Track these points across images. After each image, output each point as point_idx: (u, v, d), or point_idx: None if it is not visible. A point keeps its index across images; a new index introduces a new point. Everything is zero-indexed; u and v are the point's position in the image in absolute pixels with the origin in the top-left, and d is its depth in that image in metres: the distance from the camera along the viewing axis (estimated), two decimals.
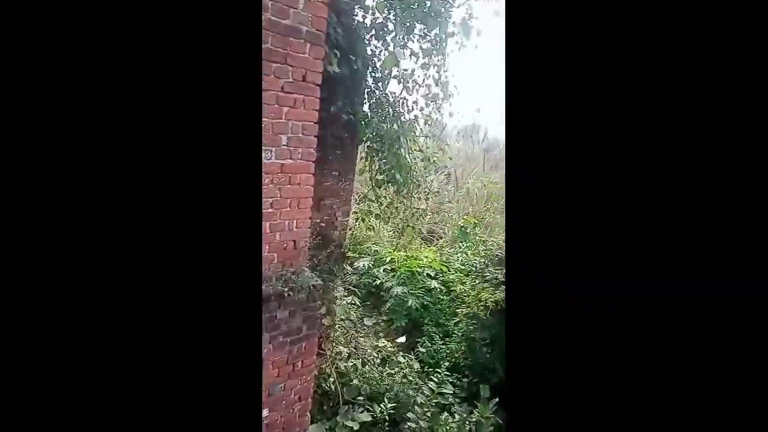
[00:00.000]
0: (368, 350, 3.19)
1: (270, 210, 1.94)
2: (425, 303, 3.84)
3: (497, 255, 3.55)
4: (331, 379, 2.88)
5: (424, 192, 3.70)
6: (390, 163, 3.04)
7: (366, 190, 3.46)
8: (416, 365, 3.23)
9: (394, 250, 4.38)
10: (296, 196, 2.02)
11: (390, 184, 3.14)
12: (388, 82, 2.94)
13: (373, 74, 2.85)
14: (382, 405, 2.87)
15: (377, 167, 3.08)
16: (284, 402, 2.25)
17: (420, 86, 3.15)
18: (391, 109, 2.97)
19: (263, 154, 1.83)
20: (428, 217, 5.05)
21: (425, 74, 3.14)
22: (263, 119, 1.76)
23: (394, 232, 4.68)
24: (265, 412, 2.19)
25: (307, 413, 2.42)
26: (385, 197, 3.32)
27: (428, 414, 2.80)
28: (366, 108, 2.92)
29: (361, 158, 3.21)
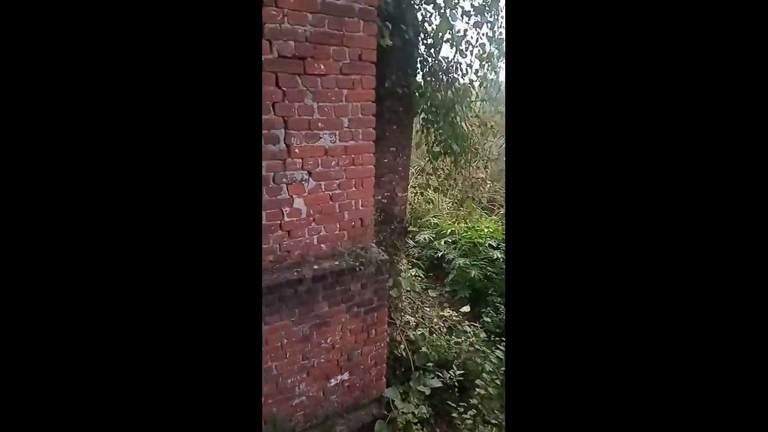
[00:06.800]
0: (434, 320, 3.28)
1: (338, 191, 2.04)
2: (488, 273, 3.80)
3: None
4: (402, 347, 3.04)
5: (483, 160, 3.56)
6: (446, 133, 2.97)
7: (423, 164, 3.43)
8: (482, 334, 3.26)
9: (454, 222, 4.35)
10: (360, 176, 2.09)
11: (447, 156, 3.08)
12: (440, 48, 2.82)
13: (425, 41, 2.75)
14: (451, 372, 2.98)
15: (433, 139, 3.03)
16: (362, 366, 2.45)
17: (474, 47, 2.98)
18: (444, 77, 2.86)
19: (328, 137, 1.90)
20: (488, 185, 4.87)
21: (479, 33, 2.95)
22: (325, 104, 1.83)
23: (453, 204, 4.62)
24: (345, 376, 2.41)
25: (383, 377, 2.61)
26: (442, 169, 3.27)
27: (497, 381, 2.84)
28: (419, 78, 2.85)
29: (417, 131, 3.17)
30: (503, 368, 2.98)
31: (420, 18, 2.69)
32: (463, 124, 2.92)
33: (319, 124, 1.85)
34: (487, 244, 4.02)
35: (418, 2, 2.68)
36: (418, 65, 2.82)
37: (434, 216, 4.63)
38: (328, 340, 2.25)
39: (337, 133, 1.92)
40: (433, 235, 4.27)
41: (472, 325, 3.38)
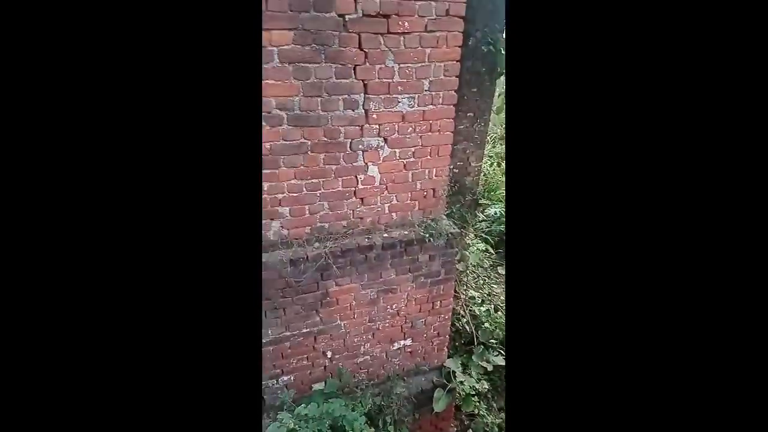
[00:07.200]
0: (502, 297, 3.16)
1: (411, 159, 1.98)
2: None
3: None
4: (464, 320, 3.01)
5: None
6: None
7: (502, 131, 3.15)
8: None
9: None
10: (436, 143, 1.99)
11: None
12: None
13: None
14: None
15: None
16: (425, 335, 2.49)
17: None
18: None
19: (406, 102, 1.81)
20: None
21: None
22: (407, 65, 1.72)
23: None
24: (408, 341, 2.47)
25: (445, 347, 2.63)
26: None
27: None
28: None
29: (499, 94, 2.89)
30: None
31: None
32: None
33: (399, 88, 1.76)
34: None
35: None
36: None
37: None
38: (394, 306, 2.30)
39: (416, 96, 1.82)
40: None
41: None
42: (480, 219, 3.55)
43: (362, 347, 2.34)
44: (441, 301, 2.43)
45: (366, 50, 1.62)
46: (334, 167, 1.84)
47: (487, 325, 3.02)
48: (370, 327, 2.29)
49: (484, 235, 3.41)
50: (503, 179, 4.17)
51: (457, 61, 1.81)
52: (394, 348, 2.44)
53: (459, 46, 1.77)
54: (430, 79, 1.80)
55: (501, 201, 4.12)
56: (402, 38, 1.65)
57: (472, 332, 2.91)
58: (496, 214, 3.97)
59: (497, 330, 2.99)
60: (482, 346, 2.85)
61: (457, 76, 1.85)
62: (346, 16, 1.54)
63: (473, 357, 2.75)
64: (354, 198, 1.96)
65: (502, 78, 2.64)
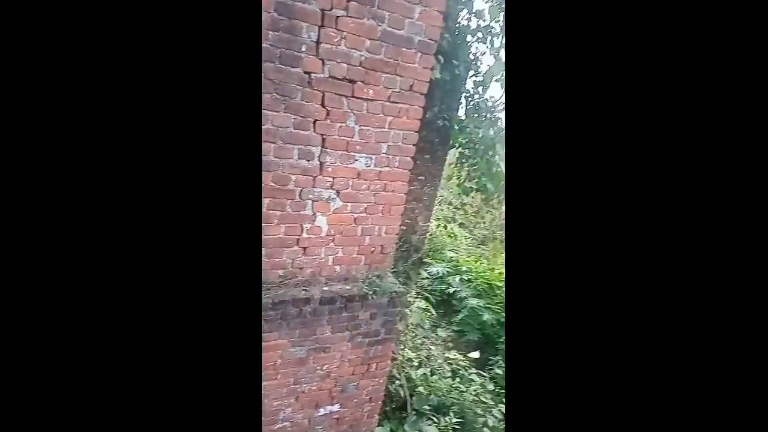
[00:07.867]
0: (439, 361, 3.11)
1: (363, 214, 1.97)
2: (502, 320, 3.61)
3: None
4: (398, 382, 2.88)
5: None
6: (481, 169, 2.89)
7: (450, 197, 3.34)
8: (490, 386, 3.06)
9: (475, 261, 4.19)
10: (388, 202, 2.02)
11: (478, 192, 2.99)
12: (489, 86, 2.77)
13: (474, 78, 2.70)
14: (447, 418, 2.79)
15: (466, 174, 2.95)
16: (356, 400, 2.31)
17: None
18: (489, 114, 2.80)
19: (363, 161, 1.85)
20: None
21: None
22: (367, 128, 1.78)
23: (473, 241, 4.47)
24: (336, 407, 2.27)
25: (376, 415, 2.46)
26: (471, 205, 3.16)
27: None
28: (461, 113, 2.80)
29: (450, 164, 3.10)
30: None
31: (471, 56, 2.65)
32: (501, 164, 2.83)
33: (357, 147, 1.80)
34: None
35: (471, 41, 2.65)
36: (463, 100, 2.77)
37: (452, 249, 4.49)
38: (324, 367, 2.13)
39: (374, 157, 1.87)
40: (448, 269, 4.13)
41: (481, 374, 3.18)
42: (422, 277, 3.59)
43: (282, 412, 2.10)
44: (377, 363, 2.31)
45: (328, 108, 1.66)
46: (278, 213, 1.76)
47: (421, 389, 2.92)
48: (294, 389, 2.09)
49: (426, 294, 3.43)
50: (449, 240, 4.34)
51: (416, 131, 1.91)
52: (319, 414, 2.23)
53: (419, 119, 1.89)
54: (389, 143, 1.87)
55: (445, 261, 4.24)
56: (365, 104, 1.73)
57: (405, 397, 2.78)
58: (438, 273, 4.05)
59: (432, 395, 2.89)
60: (415, 414, 2.72)
61: (414, 145, 1.95)
62: (312, 74, 1.58)
63: (405, 426, 2.60)
64: (296, 246, 1.88)
65: (452, 150, 2.86)
